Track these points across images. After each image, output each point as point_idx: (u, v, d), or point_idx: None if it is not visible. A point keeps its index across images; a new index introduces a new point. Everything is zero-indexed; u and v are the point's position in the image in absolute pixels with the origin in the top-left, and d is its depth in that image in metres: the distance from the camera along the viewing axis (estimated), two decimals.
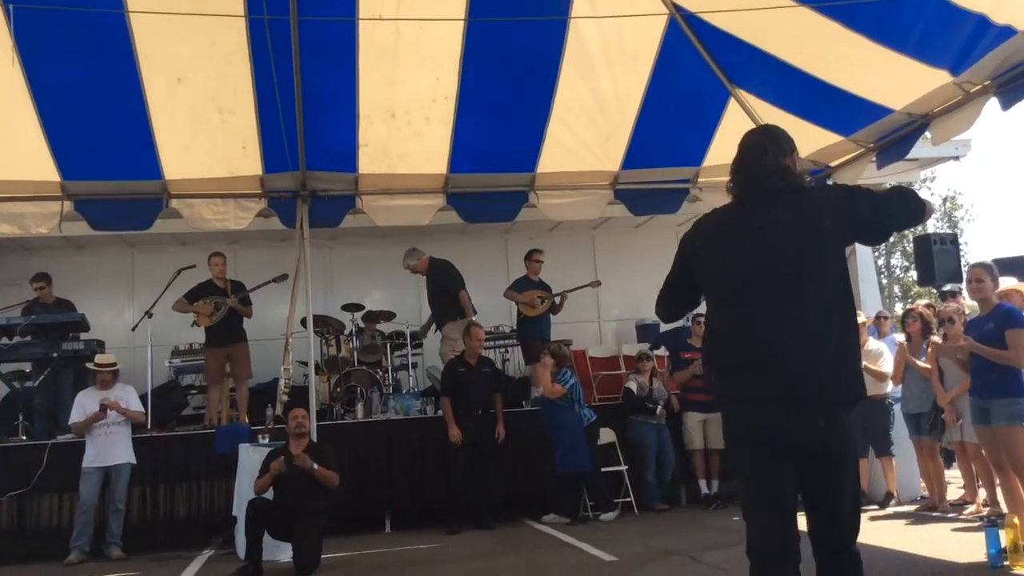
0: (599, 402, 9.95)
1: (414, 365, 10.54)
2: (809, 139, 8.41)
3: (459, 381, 8.66)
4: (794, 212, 3.10)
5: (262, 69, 6.89)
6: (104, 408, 7.86)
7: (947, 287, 9.19)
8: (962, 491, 8.16)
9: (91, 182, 7.76)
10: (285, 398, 7.82)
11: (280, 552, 6.97)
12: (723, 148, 8.57)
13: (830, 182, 9.04)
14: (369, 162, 8.12)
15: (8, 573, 7.50)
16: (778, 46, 7.07)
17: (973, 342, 5.77)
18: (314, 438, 7.49)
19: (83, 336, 9.35)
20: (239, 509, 7.06)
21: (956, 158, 10.86)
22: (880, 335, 9.10)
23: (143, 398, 8.57)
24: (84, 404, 8.01)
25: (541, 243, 10.75)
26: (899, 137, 7.71)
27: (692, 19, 7.17)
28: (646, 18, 7.13)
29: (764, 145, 3.25)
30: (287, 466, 6.67)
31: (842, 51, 6.72)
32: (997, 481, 6.61)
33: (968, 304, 8.67)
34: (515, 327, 10.87)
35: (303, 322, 8.67)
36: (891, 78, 6.88)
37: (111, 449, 7.90)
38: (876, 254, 25.23)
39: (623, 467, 9.08)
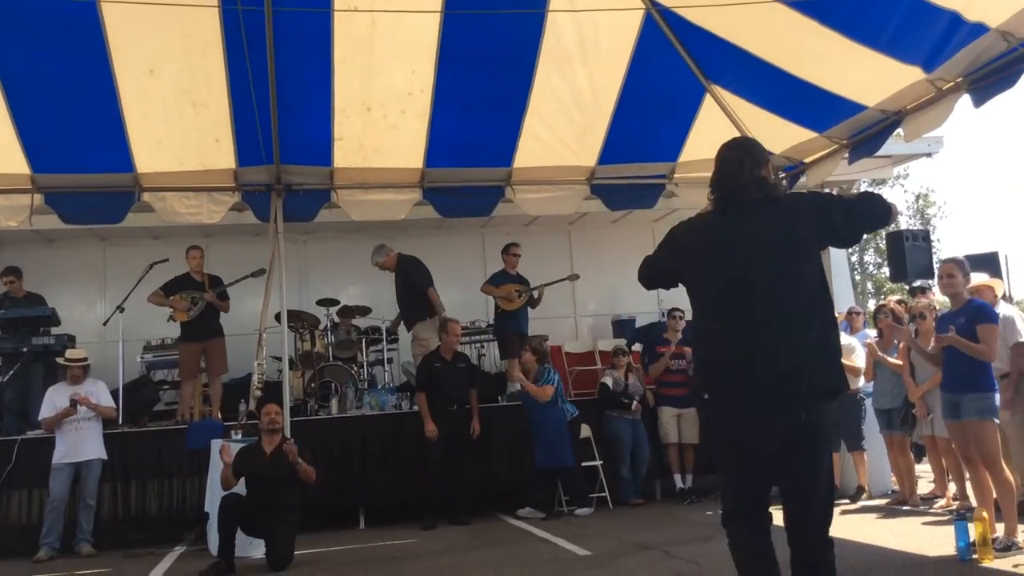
0: (575, 397, 9.97)
1: (389, 360, 10.49)
2: (783, 136, 8.46)
3: (434, 376, 8.63)
4: (772, 221, 3.26)
5: (236, 61, 6.82)
6: (74, 404, 7.77)
7: (918, 283, 9.30)
8: (932, 485, 8.24)
9: (62, 175, 7.66)
10: (258, 393, 7.77)
11: (253, 548, 6.93)
12: (699, 144, 8.61)
13: (803, 178, 9.13)
14: (344, 156, 8.07)
15: None
16: (753, 42, 7.10)
17: (955, 335, 5.81)
18: (288, 434, 7.44)
19: (54, 331, 9.25)
20: (211, 505, 7.01)
21: (929, 155, 10.96)
22: (852, 331, 9.17)
23: (114, 393, 8.50)
24: (54, 399, 7.92)
25: (517, 238, 10.73)
26: (872, 134, 7.75)
27: (668, 14, 7.17)
28: (622, 13, 7.12)
29: (740, 160, 3.41)
30: (268, 467, 6.63)
31: (816, 47, 6.76)
32: (967, 475, 6.68)
33: (939, 300, 8.76)
34: (491, 322, 10.87)
35: (277, 317, 8.61)
36: (865, 75, 6.92)
37: (81, 445, 7.82)
38: (849, 251, 25.43)
39: (598, 462, 9.10)
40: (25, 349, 8.74)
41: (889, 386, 8.14)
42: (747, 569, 3.34)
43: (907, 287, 10.66)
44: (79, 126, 7.24)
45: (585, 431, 9.25)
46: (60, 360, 8.29)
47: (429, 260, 11.85)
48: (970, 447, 5.84)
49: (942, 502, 7.73)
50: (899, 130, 7.60)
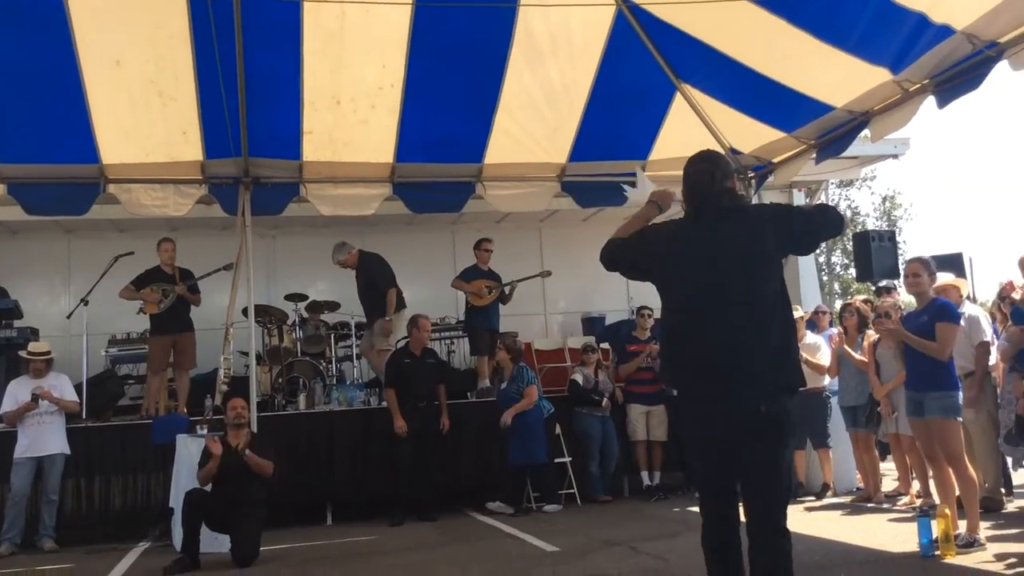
0: (544, 395, 9.96)
1: (358, 356, 10.44)
2: (752, 135, 8.52)
3: (403, 372, 8.60)
4: (742, 231, 3.51)
5: (204, 52, 6.75)
6: (36, 398, 7.66)
7: (884, 282, 9.40)
8: (896, 483, 8.33)
9: (25, 165, 7.56)
10: (224, 388, 7.70)
11: (219, 544, 6.84)
12: (669, 142, 8.64)
13: (771, 178, 9.19)
14: (313, 149, 8.02)
15: None
16: (723, 41, 7.13)
17: (901, 329, 5.88)
18: (255, 429, 7.38)
19: (16, 323, 9.12)
20: (176, 501, 6.93)
21: (895, 156, 11.08)
22: (818, 329, 9.25)
23: (78, 387, 8.37)
24: (16, 393, 7.80)
25: (488, 235, 10.71)
26: (840, 134, 7.83)
27: (639, 11, 7.19)
28: (594, 9, 7.14)
29: (711, 171, 3.62)
30: (234, 462, 6.58)
31: (786, 47, 6.80)
32: (930, 473, 6.75)
33: (905, 300, 8.86)
34: (461, 318, 10.85)
35: (244, 312, 8.53)
36: (833, 75, 6.98)
37: (44, 439, 7.71)
38: (817, 252, 25.65)
39: (567, 459, 9.11)
40: None
41: (854, 384, 8.22)
42: (715, 566, 3.51)
43: (873, 287, 10.78)
44: (44, 116, 7.15)
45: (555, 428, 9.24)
46: (22, 353, 8.16)
47: (399, 256, 11.81)
48: (934, 445, 5.90)
49: (906, 499, 7.81)
50: (866, 131, 7.69)
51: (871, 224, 29.73)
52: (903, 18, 5.90)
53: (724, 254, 3.48)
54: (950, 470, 5.81)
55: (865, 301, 9.07)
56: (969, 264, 10.39)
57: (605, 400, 9.34)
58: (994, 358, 7.18)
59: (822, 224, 3.60)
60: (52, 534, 7.65)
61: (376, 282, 9.54)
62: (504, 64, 7.51)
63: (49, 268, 11.42)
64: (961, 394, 5.98)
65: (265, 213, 8.62)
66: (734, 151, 8.97)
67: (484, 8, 7.01)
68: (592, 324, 12.01)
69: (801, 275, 11.69)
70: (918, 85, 6.67)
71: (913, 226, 39.29)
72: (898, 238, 13.42)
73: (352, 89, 7.54)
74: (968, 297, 7.76)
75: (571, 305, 12.81)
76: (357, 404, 9.11)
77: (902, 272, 6.86)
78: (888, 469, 8.91)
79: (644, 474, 9.37)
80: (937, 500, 6.23)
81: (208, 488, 6.68)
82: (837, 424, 8.65)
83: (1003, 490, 7.44)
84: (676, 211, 3.97)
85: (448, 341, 11.22)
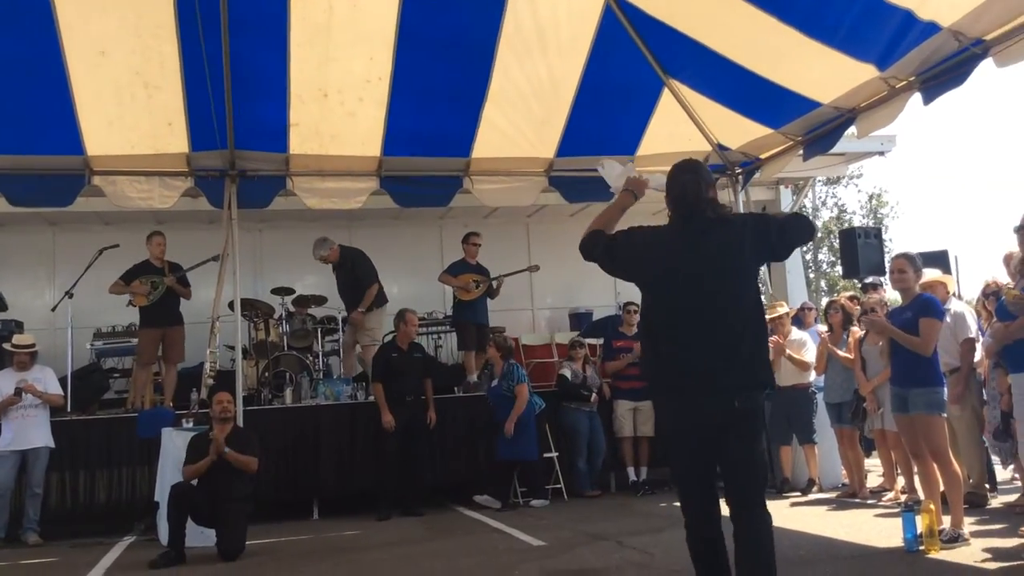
0: (531, 390, 9.97)
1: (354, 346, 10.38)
2: (739, 131, 8.53)
3: (391, 366, 8.57)
4: (724, 240, 3.70)
5: (190, 43, 6.70)
6: (19, 391, 7.60)
7: (869, 279, 9.44)
8: (881, 479, 8.36)
9: (9, 156, 7.49)
10: (210, 382, 7.67)
11: (205, 538, 6.81)
12: (657, 137, 8.65)
13: (758, 174, 9.22)
14: (300, 142, 7.98)
15: None
16: (711, 37, 7.14)
17: (886, 322, 5.90)
18: (241, 423, 7.35)
19: (0, 316, 9.01)
20: (162, 495, 6.90)
21: (882, 153, 11.13)
22: (804, 326, 9.28)
23: (63, 381, 8.32)
24: (0, 386, 7.73)
25: (476, 230, 10.69)
26: (826, 131, 7.85)
27: (627, 7, 7.20)
28: (582, 3, 7.14)
29: (697, 182, 3.79)
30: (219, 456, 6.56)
31: (774, 44, 6.81)
32: (915, 469, 6.78)
33: (891, 297, 8.89)
34: (448, 313, 10.84)
35: (230, 305, 8.50)
36: (820, 72, 7.00)
37: (28, 432, 7.65)
38: (803, 249, 25.75)
39: (554, 454, 9.12)
40: None
41: (839, 380, 8.25)
42: (701, 563, 3.67)
43: (859, 283, 10.83)
44: (28, 106, 7.09)
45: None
46: (6, 346, 8.10)
47: (386, 250, 11.81)
48: (918, 441, 5.92)
49: (891, 495, 7.84)
50: (852, 128, 7.72)
51: (858, 222, 29.79)
52: (890, 15, 5.92)
53: (709, 263, 3.67)
54: (935, 466, 5.84)
55: (852, 298, 9.10)
56: (955, 262, 10.48)
57: (594, 395, 9.35)
58: (979, 355, 7.21)
59: (797, 233, 3.86)
60: (36, 528, 7.59)
61: (360, 277, 9.51)
62: (492, 58, 7.50)
63: (34, 261, 11.36)
64: (946, 390, 6.00)
65: (251, 206, 8.58)
66: (721, 147, 8.98)
67: (472, 2, 7.00)
68: (579, 320, 12.03)
69: (788, 271, 11.77)
70: (904, 82, 6.69)
71: (900, 224, 39.43)
72: (884, 236, 13.48)
73: (339, 82, 7.51)
74: (954, 294, 7.79)
75: (558, 301, 12.83)
76: (344, 398, 9.08)
77: (888, 269, 6.87)
78: (873, 465, 8.95)
79: (631, 470, 9.38)
80: (922, 496, 6.26)
81: (194, 482, 6.65)
82: (822, 420, 8.67)
83: (988, 486, 7.48)
84: (650, 197, 4.15)
85: (435, 336, 11.20)
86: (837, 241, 19.94)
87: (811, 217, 30.13)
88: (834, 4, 6.16)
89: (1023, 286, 5.64)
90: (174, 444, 7.23)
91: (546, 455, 9.06)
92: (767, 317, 9.01)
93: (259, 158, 8.11)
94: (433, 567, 5.76)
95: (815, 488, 8.69)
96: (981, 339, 7.22)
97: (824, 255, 30.69)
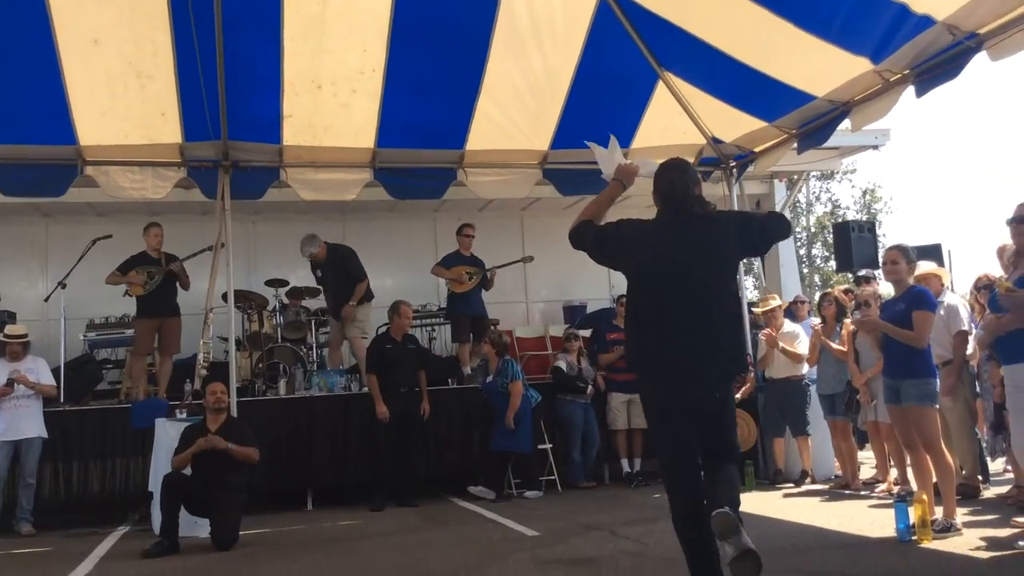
0: (527, 384, 9.97)
1: (342, 341, 10.37)
2: (734, 124, 8.54)
3: (385, 358, 8.58)
4: (710, 236, 3.92)
5: (183, 33, 6.68)
6: (11, 382, 7.58)
7: (863, 272, 9.46)
8: (874, 471, 8.39)
9: (1, 146, 7.45)
10: (204, 372, 7.67)
11: (199, 528, 6.83)
12: (651, 130, 8.65)
13: (752, 167, 9.24)
14: (294, 133, 7.97)
15: None
16: (706, 30, 7.14)
17: (877, 320, 5.92)
18: (234, 414, 7.35)
19: None
20: (155, 485, 6.89)
21: (876, 147, 11.15)
22: (797, 319, 9.30)
23: (56, 371, 8.30)
24: None
25: (470, 222, 10.67)
26: (820, 124, 7.88)
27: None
28: None
29: (684, 180, 4.00)
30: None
31: (768, 37, 6.82)
32: (908, 460, 6.81)
33: (885, 292, 8.90)
34: (442, 305, 10.85)
35: (224, 297, 8.48)
36: (814, 65, 7.01)
37: (21, 423, 7.63)
38: (798, 244, 25.77)
39: (548, 446, 9.13)
40: None
41: (832, 372, 8.27)
42: (691, 544, 3.79)
43: (852, 277, 10.86)
44: (19, 96, 7.06)
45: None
46: None
47: (380, 243, 11.82)
48: (911, 432, 5.94)
49: (883, 486, 7.87)
50: (847, 122, 7.74)
51: (851, 217, 29.78)
52: (884, 8, 5.94)
53: (696, 256, 3.88)
54: (927, 457, 5.86)
55: (846, 291, 9.12)
56: (948, 257, 10.48)
57: (590, 387, 9.36)
58: (971, 347, 7.24)
59: (776, 230, 4.12)
60: (30, 518, 7.59)
61: (351, 272, 9.51)
62: (486, 50, 7.50)
63: (26, 252, 11.30)
64: (938, 381, 6.02)
65: (245, 197, 8.57)
66: (716, 140, 9.00)
67: None
68: (573, 312, 12.03)
69: (782, 265, 11.79)
70: (898, 75, 6.71)
71: (893, 219, 39.55)
72: (878, 230, 13.50)
73: (333, 73, 7.50)
74: (948, 287, 7.81)
75: (552, 293, 12.83)
76: (338, 390, 9.08)
77: (881, 261, 6.89)
78: (866, 457, 8.98)
79: (624, 461, 9.41)
80: (914, 487, 6.28)
81: (188, 472, 6.64)
82: (816, 412, 8.71)
83: (980, 478, 7.51)
84: (644, 191, 4.24)
85: (429, 328, 11.20)
86: (831, 236, 19.94)
87: (805, 212, 30.22)
88: None
89: (1016, 278, 5.65)
90: (168, 434, 7.23)
91: (540, 447, 9.08)
92: (760, 310, 9.15)
93: (252, 149, 8.09)
94: (428, 556, 5.77)
95: (808, 480, 8.72)
96: (974, 332, 7.24)
97: (818, 250, 30.75)
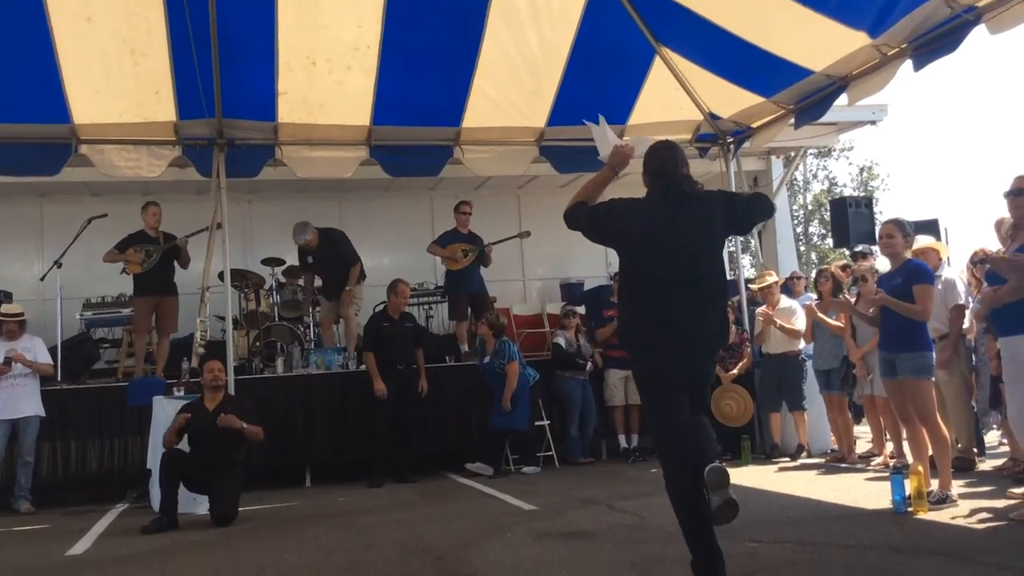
0: (524, 363, 9.97)
1: (336, 321, 10.38)
2: (732, 100, 8.52)
3: (382, 335, 8.58)
4: (699, 213, 4.08)
5: (176, 10, 6.65)
6: (8, 361, 7.58)
7: (859, 247, 9.47)
8: (870, 445, 8.42)
9: None
10: (201, 351, 7.67)
11: (198, 505, 6.86)
12: (648, 107, 8.62)
13: (748, 143, 9.23)
14: (289, 111, 7.94)
15: None
16: (703, 4, 7.11)
17: (884, 295, 5.91)
18: (232, 392, 7.36)
19: None
20: (154, 462, 6.91)
21: (873, 123, 11.11)
22: (793, 295, 9.31)
23: (52, 350, 8.29)
24: None
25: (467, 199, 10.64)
26: (817, 99, 7.85)
27: None
28: None
29: (674, 159, 4.16)
30: (211, 423, 6.57)
31: (766, 11, 6.80)
32: (903, 434, 6.83)
33: (882, 268, 8.91)
34: (439, 283, 10.85)
35: (220, 276, 8.47)
36: (812, 40, 6.99)
37: (18, 402, 7.64)
38: (795, 222, 25.76)
39: (546, 422, 9.16)
40: None
41: (828, 347, 8.28)
42: (686, 511, 3.88)
43: (849, 252, 10.86)
44: (12, 74, 7.04)
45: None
46: None
47: (377, 221, 11.81)
48: (907, 405, 5.96)
49: (879, 460, 7.91)
50: (844, 98, 7.72)
51: (848, 194, 29.82)
52: None
53: (687, 233, 4.03)
54: (923, 429, 5.88)
55: (844, 267, 9.12)
56: (944, 234, 10.49)
57: (589, 364, 9.38)
58: (968, 321, 7.25)
59: (760, 210, 4.32)
60: (28, 496, 7.61)
61: (346, 256, 9.50)
62: (482, 26, 7.46)
63: (22, 233, 11.26)
64: (934, 355, 6.04)
65: (240, 175, 8.55)
66: (713, 116, 8.98)
67: None
68: (570, 290, 12.02)
69: (779, 242, 11.77)
70: (896, 49, 6.69)
71: (890, 196, 39.48)
72: (875, 207, 13.47)
73: (328, 50, 7.46)
74: (945, 262, 7.81)
75: (549, 271, 12.82)
76: (335, 368, 9.09)
77: (877, 235, 6.89)
78: (862, 432, 9.02)
79: (622, 437, 9.44)
80: (910, 460, 6.31)
81: (186, 448, 6.66)
82: (812, 387, 8.73)
83: (975, 451, 7.55)
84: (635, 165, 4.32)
85: (426, 306, 11.21)
86: (828, 214, 19.91)
87: (802, 190, 30.22)
88: None
89: (1014, 250, 5.65)
90: (165, 412, 7.23)
91: (538, 423, 9.11)
92: (757, 287, 9.16)
93: (247, 127, 8.07)
94: (426, 531, 5.79)
95: (804, 454, 8.76)
96: (971, 306, 7.25)
97: (815, 227, 30.76)
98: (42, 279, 9.31)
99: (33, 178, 9.63)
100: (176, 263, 8.97)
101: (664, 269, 4.03)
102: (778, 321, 8.71)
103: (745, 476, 7.68)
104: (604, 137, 4.52)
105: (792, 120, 8.35)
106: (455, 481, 8.44)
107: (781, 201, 11.95)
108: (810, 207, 30.62)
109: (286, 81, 7.60)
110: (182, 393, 7.61)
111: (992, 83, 51.14)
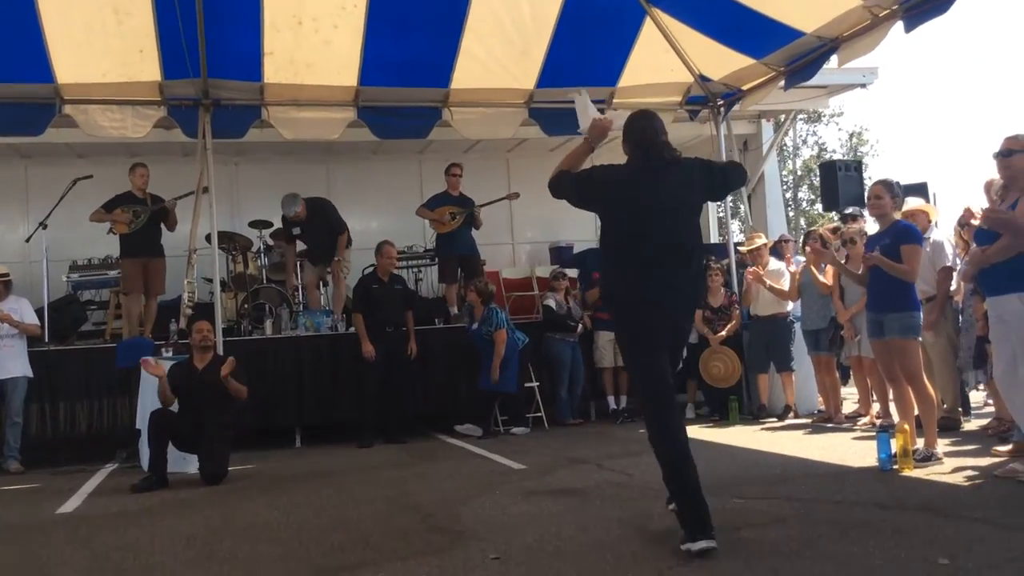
0: (513, 327, 9.98)
1: (325, 283, 10.36)
2: (722, 62, 8.48)
3: (371, 297, 8.57)
4: (679, 179, 4.24)
5: None
6: None
7: (849, 210, 9.48)
8: (857, 406, 8.49)
9: None
10: (189, 311, 7.65)
11: (187, 464, 6.87)
12: (638, 69, 8.58)
13: (738, 106, 9.20)
14: (275, 71, 7.87)
15: None
16: None
17: (878, 255, 5.93)
18: (221, 353, 7.34)
19: None
20: (143, 423, 6.90)
21: (863, 86, 11.08)
22: (782, 257, 9.32)
23: (39, 312, 8.25)
24: None
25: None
26: (808, 61, 7.82)
27: None
28: None
29: (654, 127, 4.30)
30: (199, 382, 6.59)
31: None
32: (890, 394, 6.89)
33: (871, 230, 8.92)
34: (428, 246, 10.83)
35: (207, 238, 8.42)
36: (803, 1, 6.95)
37: (5, 362, 7.61)
38: (784, 187, 25.73)
39: (535, 384, 9.19)
40: None
41: (816, 308, 8.32)
42: (670, 459, 3.99)
43: (838, 215, 10.87)
44: None
45: None
46: None
47: (365, 184, 11.78)
48: (894, 365, 6.00)
49: (866, 420, 7.97)
50: (835, 60, 7.69)
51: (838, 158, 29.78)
52: None
53: (668, 198, 4.18)
54: (909, 389, 5.93)
55: (834, 230, 9.13)
56: (933, 198, 10.50)
57: (579, 326, 9.40)
58: (955, 283, 7.29)
59: (735, 178, 4.60)
60: (17, 456, 7.60)
61: (334, 225, 9.47)
62: None
63: (6, 195, 11.17)
64: (921, 315, 6.07)
65: (226, 136, 8.49)
66: (703, 78, 8.93)
67: None
68: (560, 253, 12.03)
69: (768, 206, 11.79)
70: (887, 11, 6.66)
71: (879, 162, 39.46)
72: (864, 172, 13.47)
73: (314, 8, 7.38)
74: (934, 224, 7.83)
75: (539, 235, 12.81)
76: (324, 330, 9.08)
77: (866, 196, 6.89)
78: (849, 393, 9.08)
79: (610, 399, 9.50)
80: (896, 419, 6.36)
81: (175, 408, 6.66)
82: (800, 348, 8.78)
83: (961, 411, 7.62)
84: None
85: (416, 270, 11.19)
86: (817, 179, 19.93)
87: (792, 155, 30.17)
88: None
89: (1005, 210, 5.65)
90: None
91: (527, 385, 9.14)
92: (746, 249, 9.18)
93: (233, 87, 7.99)
94: (416, 488, 5.82)
95: (791, 414, 8.82)
96: (958, 268, 7.28)
97: (804, 193, 30.79)
98: (27, 241, 9.23)
99: (17, 140, 9.54)
100: (163, 225, 8.91)
101: (645, 231, 4.16)
102: (767, 281, 8.74)
103: (733, 436, 7.74)
104: (585, 110, 4.69)
105: (782, 82, 8.32)
106: (445, 442, 8.48)
107: (771, 165, 11.95)
108: (799, 172, 30.61)
109: (272, 41, 7.53)
110: (170, 354, 7.59)
111: (981, 46, 51.05)
